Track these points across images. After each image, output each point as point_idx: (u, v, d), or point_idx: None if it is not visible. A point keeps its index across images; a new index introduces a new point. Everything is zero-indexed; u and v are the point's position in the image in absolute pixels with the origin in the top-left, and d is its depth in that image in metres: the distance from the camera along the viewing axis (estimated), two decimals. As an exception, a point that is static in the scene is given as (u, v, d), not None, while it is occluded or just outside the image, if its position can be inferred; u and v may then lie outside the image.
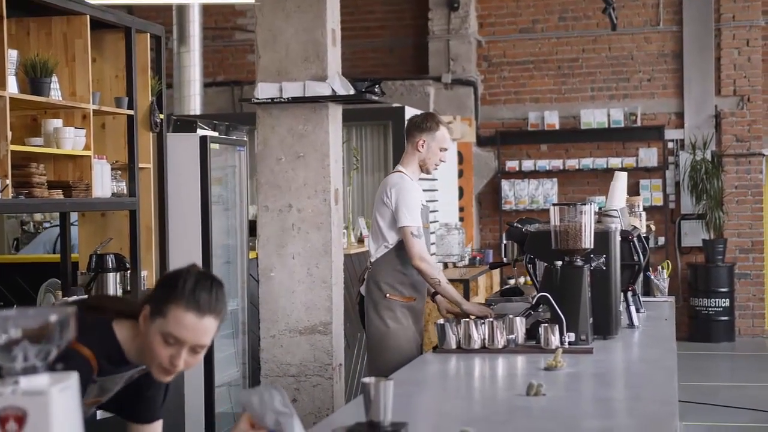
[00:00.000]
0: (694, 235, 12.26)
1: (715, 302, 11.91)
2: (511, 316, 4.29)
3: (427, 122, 5.26)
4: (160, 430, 2.92)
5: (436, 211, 10.65)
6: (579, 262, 4.32)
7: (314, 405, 5.47)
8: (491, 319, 4.23)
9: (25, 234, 8.87)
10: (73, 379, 1.80)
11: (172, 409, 5.56)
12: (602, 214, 5.10)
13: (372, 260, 5.23)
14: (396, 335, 5.04)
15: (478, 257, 11.18)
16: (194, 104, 10.22)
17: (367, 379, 2.69)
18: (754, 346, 11.88)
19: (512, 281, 11.98)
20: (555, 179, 12.55)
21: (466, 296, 8.89)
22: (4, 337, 1.77)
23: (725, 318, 11.95)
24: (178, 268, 2.63)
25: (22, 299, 6.12)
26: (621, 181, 5.41)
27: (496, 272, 11.22)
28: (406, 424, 2.74)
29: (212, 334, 2.55)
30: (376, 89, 6.24)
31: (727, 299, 11.93)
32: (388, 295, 5.11)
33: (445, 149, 5.26)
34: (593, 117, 12.44)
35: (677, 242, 12.37)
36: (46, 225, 8.60)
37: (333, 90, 5.92)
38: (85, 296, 5.03)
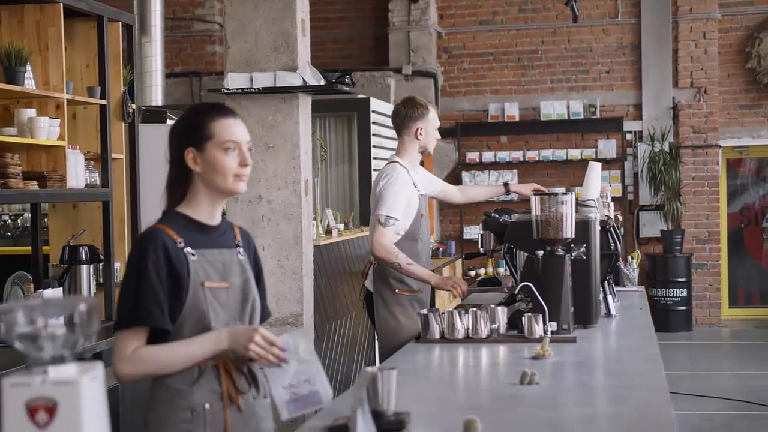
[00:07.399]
0: (652, 225, 12.39)
1: (673, 292, 12.06)
2: (492, 305, 4.31)
3: (418, 110, 5.30)
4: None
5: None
6: (560, 252, 4.34)
7: (285, 396, 5.45)
8: (474, 310, 4.23)
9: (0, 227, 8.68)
10: (99, 369, 1.79)
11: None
12: (579, 204, 5.13)
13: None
14: (408, 330, 4.96)
15: (441, 249, 11.21)
16: (156, 95, 10.09)
17: (370, 369, 2.68)
18: (710, 335, 12.05)
19: (483, 271, 12.04)
20: (515, 171, 12.60)
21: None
22: (32, 327, 1.75)
23: (683, 308, 12.10)
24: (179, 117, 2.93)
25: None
26: (595, 171, 5.44)
27: (458, 263, 11.27)
28: (409, 413, 2.74)
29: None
30: (346, 80, 6.23)
31: (685, 289, 12.08)
32: (397, 290, 5.09)
33: (438, 126, 5.43)
34: (553, 109, 12.51)
35: (635, 233, 12.50)
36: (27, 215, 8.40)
37: (304, 80, 5.88)
38: None
